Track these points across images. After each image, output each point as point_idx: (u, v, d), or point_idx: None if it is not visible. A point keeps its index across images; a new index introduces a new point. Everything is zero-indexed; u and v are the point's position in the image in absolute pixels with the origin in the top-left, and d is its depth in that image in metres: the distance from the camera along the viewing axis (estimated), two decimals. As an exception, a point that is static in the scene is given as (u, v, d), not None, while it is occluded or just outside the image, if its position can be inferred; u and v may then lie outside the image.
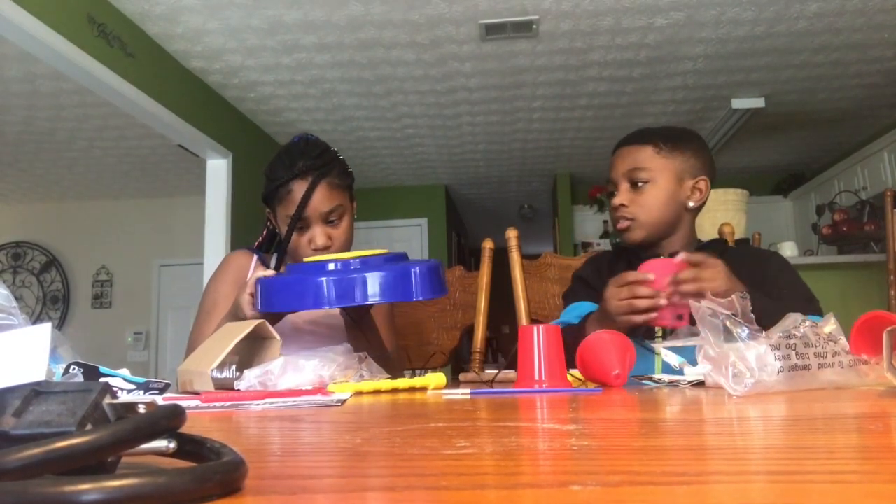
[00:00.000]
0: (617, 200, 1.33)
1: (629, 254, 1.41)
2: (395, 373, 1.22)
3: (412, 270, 1.07)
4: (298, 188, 1.33)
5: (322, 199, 1.35)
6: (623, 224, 1.33)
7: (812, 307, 1.22)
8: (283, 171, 1.35)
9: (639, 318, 1.12)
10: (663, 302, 1.11)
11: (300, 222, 1.35)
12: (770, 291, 1.20)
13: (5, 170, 5.76)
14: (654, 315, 1.12)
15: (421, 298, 1.08)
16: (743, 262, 1.33)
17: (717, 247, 1.38)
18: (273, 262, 1.45)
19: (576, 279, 1.49)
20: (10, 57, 3.70)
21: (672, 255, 1.32)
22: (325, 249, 1.37)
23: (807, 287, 1.29)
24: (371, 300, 1.06)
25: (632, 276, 1.15)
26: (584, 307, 1.36)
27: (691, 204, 1.33)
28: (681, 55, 4.01)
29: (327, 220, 1.37)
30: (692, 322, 1.06)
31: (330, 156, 1.39)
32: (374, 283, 1.05)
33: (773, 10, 3.50)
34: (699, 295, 1.08)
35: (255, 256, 1.47)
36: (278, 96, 4.49)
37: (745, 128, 5.01)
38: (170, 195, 6.68)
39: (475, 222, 8.96)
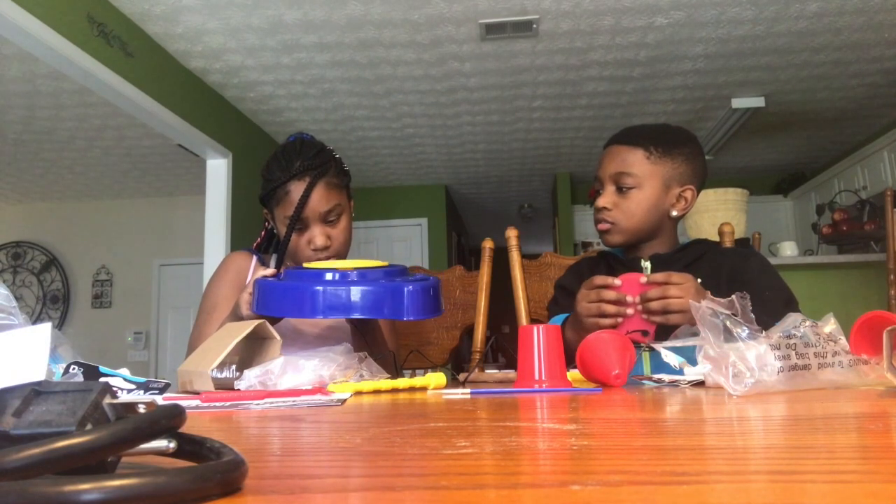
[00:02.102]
0: (601, 202, 1.32)
1: (611, 259, 1.40)
2: (395, 373, 1.22)
3: (405, 289, 1.07)
4: (296, 189, 1.33)
5: (320, 200, 1.34)
6: (604, 226, 1.32)
7: (790, 309, 1.21)
8: (280, 173, 1.35)
9: (606, 322, 1.13)
10: (630, 311, 1.13)
11: (299, 223, 1.35)
12: (750, 292, 1.20)
13: (5, 170, 5.76)
14: (620, 320, 1.13)
15: (412, 318, 1.07)
16: (723, 263, 1.33)
17: (699, 248, 1.36)
18: (272, 263, 1.45)
19: (558, 288, 1.48)
20: (10, 57, 3.71)
21: (653, 257, 1.32)
22: (325, 249, 1.37)
23: (787, 288, 1.28)
24: (361, 315, 1.07)
25: (599, 280, 1.16)
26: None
27: (674, 213, 1.31)
28: (681, 55, 4.02)
29: (326, 220, 1.37)
30: (657, 338, 1.07)
31: (326, 155, 1.39)
32: (366, 299, 1.05)
33: (773, 9, 3.50)
34: (666, 313, 1.10)
35: (255, 257, 1.47)
36: (278, 96, 4.49)
37: (746, 127, 5.01)
38: (170, 195, 6.69)
39: (475, 222, 8.96)
